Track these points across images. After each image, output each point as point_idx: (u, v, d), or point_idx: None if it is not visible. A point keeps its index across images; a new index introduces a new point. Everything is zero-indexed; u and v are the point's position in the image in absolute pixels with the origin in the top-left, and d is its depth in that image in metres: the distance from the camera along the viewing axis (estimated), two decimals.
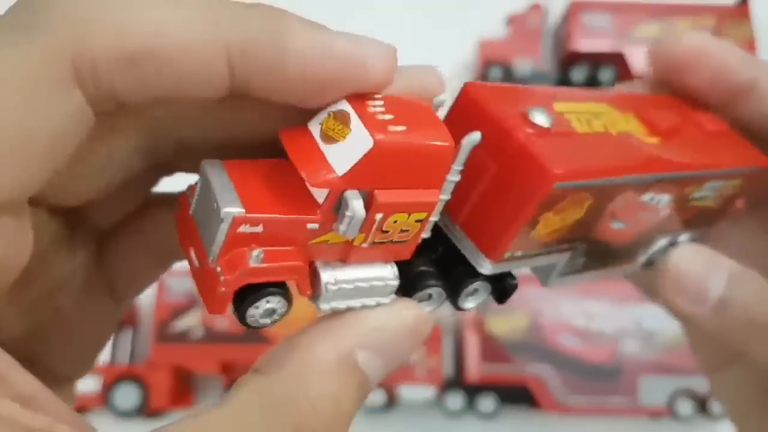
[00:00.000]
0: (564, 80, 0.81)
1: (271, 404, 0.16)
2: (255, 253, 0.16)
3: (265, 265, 0.16)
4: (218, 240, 0.16)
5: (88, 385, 0.64)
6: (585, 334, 0.67)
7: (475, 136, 0.18)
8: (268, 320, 0.18)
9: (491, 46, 0.81)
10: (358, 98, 0.17)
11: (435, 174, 0.17)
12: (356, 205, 0.16)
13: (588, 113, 0.21)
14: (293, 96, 0.16)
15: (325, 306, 0.18)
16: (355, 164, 0.16)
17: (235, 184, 0.16)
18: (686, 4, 0.81)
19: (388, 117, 0.17)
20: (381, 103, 0.17)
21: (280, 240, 0.17)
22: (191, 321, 0.65)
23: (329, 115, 0.17)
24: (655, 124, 0.23)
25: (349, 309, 0.18)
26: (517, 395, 0.66)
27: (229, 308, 0.17)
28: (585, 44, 0.79)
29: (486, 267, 0.19)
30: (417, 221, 0.18)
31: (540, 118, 0.19)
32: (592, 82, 0.80)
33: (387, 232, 0.17)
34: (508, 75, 0.81)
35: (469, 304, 0.21)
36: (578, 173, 0.19)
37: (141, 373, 0.64)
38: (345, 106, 0.17)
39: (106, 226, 0.21)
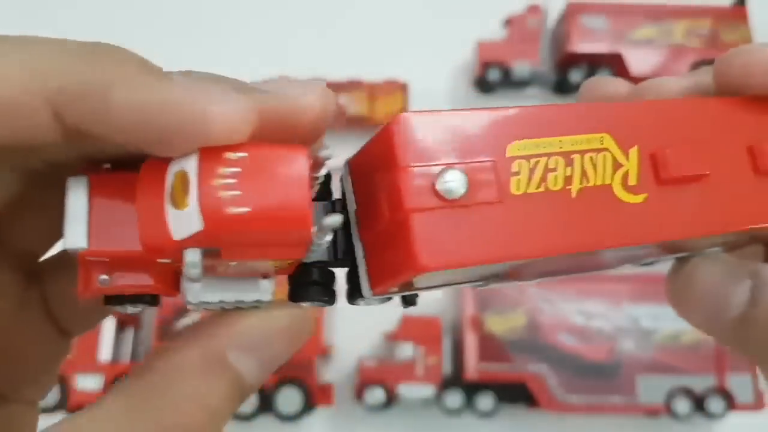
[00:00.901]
0: (562, 81, 0.82)
1: (135, 405, 0.16)
2: (102, 278, 0.17)
3: (115, 285, 0.17)
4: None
5: (90, 383, 0.64)
6: (583, 333, 0.67)
7: (335, 219, 0.16)
8: (134, 311, 0.18)
9: (489, 48, 0.82)
10: (212, 157, 0.15)
11: (292, 239, 0.16)
12: (191, 263, 0.15)
13: (559, 155, 0.18)
14: (131, 146, 0.15)
15: (195, 300, 0.17)
16: (190, 236, 0.15)
17: (91, 209, 0.16)
18: (683, 5, 0.82)
19: (231, 193, 0.15)
20: (237, 167, 0.15)
21: (132, 265, 0.17)
22: (192, 320, 0.66)
23: (181, 170, 0.15)
24: (660, 169, 0.19)
25: (221, 303, 0.17)
26: (516, 394, 0.67)
27: None
28: (583, 46, 0.80)
29: (368, 296, 0.18)
30: (288, 263, 0.17)
31: (450, 185, 0.16)
32: None
33: (254, 263, 0.17)
34: (507, 76, 0.81)
35: (362, 303, 0.20)
36: (457, 262, 0.16)
37: None
38: (192, 167, 0.15)
39: (34, 249, 0.21)
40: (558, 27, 0.83)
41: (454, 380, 0.67)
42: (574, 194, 0.18)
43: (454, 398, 0.66)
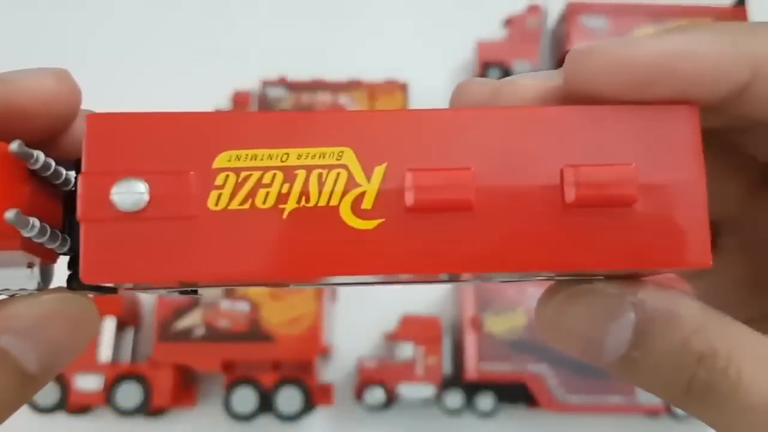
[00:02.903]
0: None
1: None
2: None
3: None
4: None
5: (90, 383, 0.64)
6: None
7: (8, 215, 0.15)
8: None
9: (489, 48, 0.82)
10: None
11: None
12: None
13: (279, 170, 0.16)
14: None
15: None
16: None
17: None
18: (683, 5, 0.82)
19: None
20: None
21: None
22: (193, 320, 0.66)
23: None
24: (405, 193, 0.16)
25: None
26: (516, 394, 0.67)
27: None
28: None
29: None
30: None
31: (125, 196, 0.15)
32: None
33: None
34: (507, 76, 0.81)
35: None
36: (123, 279, 0.16)
37: (143, 372, 0.65)
38: None
39: None
40: (558, 27, 0.83)
41: (454, 380, 0.67)
42: (285, 215, 0.16)
43: (454, 398, 0.66)
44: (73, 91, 0.18)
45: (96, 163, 0.16)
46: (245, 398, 0.65)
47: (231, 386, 0.65)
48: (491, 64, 0.81)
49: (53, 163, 0.17)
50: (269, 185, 0.16)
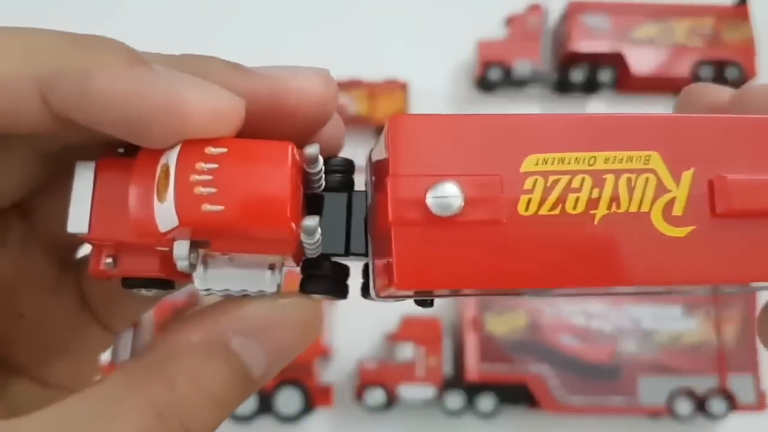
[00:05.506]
0: (563, 81, 0.81)
1: (132, 383, 0.16)
2: (107, 260, 0.17)
3: (120, 269, 0.17)
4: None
5: None
6: (584, 334, 0.67)
7: (310, 223, 0.15)
8: (148, 295, 0.18)
9: (490, 47, 0.82)
10: (192, 151, 0.15)
11: (273, 236, 0.15)
12: (179, 256, 0.16)
13: (587, 174, 0.16)
14: (114, 134, 0.15)
15: (201, 287, 0.17)
16: (172, 229, 0.15)
17: (96, 194, 0.16)
18: (685, 4, 0.81)
19: (207, 190, 0.15)
20: (215, 162, 0.15)
21: (138, 249, 0.16)
22: None
23: (165, 163, 0.15)
24: (718, 199, 0.16)
25: (227, 291, 0.17)
26: (517, 395, 0.66)
27: None
28: (584, 45, 0.79)
29: (373, 296, 0.18)
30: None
31: (441, 200, 0.15)
32: (591, 83, 0.81)
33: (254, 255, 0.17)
34: (508, 76, 0.81)
35: (374, 300, 0.19)
36: (437, 284, 0.15)
37: None
38: (172, 159, 0.15)
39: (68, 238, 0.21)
40: (559, 26, 0.83)
41: (455, 381, 0.67)
42: (596, 220, 0.15)
43: (455, 399, 0.66)
44: (335, 95, 0.17)
45: (405, 165, 0.15)
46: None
47: None
48: (492, 64, 0.81)
49: (323, 168, 0.17)
50: (578, 190, 0.15)
